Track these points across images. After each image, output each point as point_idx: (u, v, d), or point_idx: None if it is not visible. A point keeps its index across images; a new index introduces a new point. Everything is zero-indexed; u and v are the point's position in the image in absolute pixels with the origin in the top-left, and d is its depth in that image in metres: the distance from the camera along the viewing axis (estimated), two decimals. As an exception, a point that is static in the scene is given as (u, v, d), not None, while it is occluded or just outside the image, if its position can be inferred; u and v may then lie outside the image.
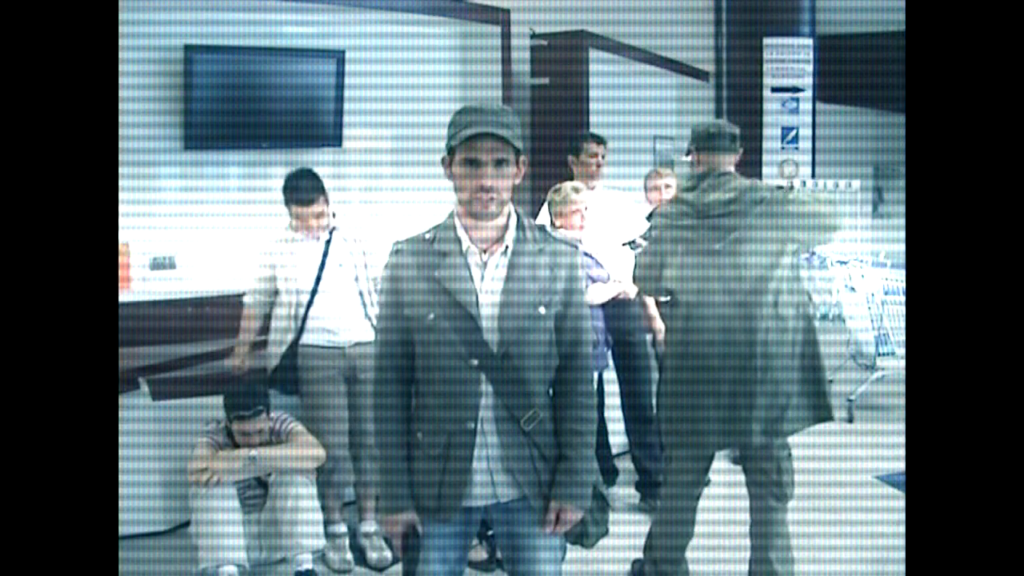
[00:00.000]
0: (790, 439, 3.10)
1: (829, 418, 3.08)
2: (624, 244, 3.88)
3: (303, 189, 3.60)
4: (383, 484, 2.21)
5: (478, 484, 2.12)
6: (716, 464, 3.28)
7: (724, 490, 3.23)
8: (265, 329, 3.81)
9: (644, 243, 3.65)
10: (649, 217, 4.37)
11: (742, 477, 3.20)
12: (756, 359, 2.93)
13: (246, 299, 3.80)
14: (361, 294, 3.73)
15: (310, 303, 3.67)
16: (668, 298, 3.18)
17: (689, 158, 3.21)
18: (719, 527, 3.47)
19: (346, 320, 3.69)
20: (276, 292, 3.73)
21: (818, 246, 4.27)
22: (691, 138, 3.17)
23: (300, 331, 3.68)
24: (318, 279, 3.67)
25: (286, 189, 3.64)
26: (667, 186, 4.55)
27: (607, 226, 4.13)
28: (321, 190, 3.63)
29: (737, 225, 2.93)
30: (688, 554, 3.25)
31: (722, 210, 2.95)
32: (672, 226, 3.09)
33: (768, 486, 3.10)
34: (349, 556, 3.69)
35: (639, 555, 3.42)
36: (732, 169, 3.10)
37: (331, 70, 4.75)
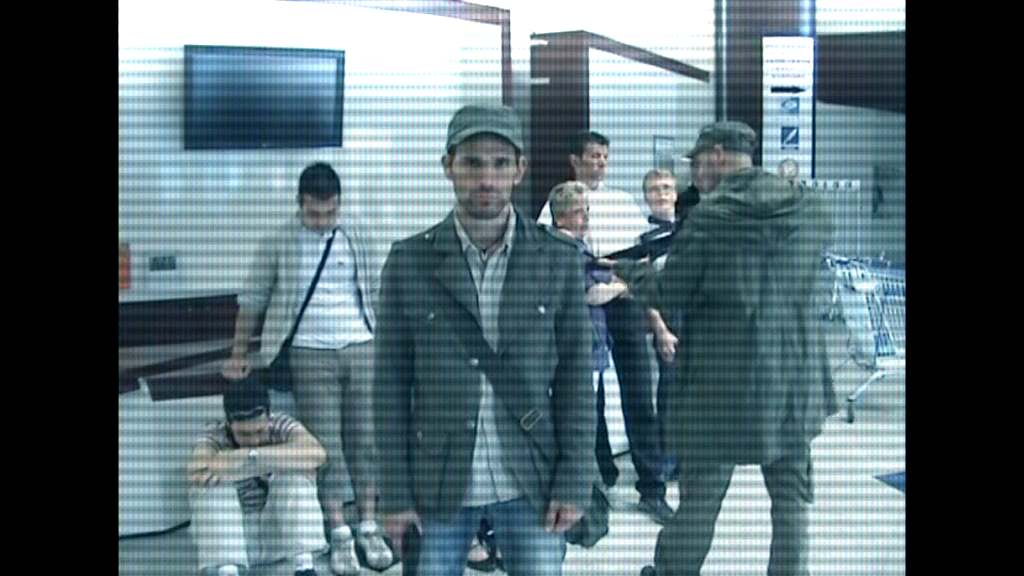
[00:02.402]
0: None
1: (836, 410, 3.12)
2: (625, 255, 3.79)
3: (321, 180, 3.61)
4: (383, 484, 2.21)
5: (478, 484, 2.13)
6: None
7: (730, 490, 3.20)
8: (260, 329, 3.81)
9: (645, 259, 3.51)
10: (651, 219, 4.35)
11: (746, 478, 3.18)
12: (809, 358, 2.94)
13: (241, 299, 3.79)
14: (360, 293, 3.74)
15: (306, 301, 3.67)
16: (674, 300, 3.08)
17: (701, 157, 3.12)
18: (732, 527, 3.46)
19: (341, 320, 3.69)
20: (272, 289, 3.73)
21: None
22: (714, 137, 3.07)
23: (294, 330, 3.68)
24: (317, 277, 3.67)
25: (304, 181, 3.64)
26: (666, 187, 4.54)
27: (609, 226, 4.13)
28: (337, 186, 3.64)
29: (795, 225, 2.91)
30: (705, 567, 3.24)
31: (784, 209, 2.91)
32: (723, 226, 2.92)
33: (797, 486, 3.08)
34: (354, 556, 3.68)
35: (639, 555, 3.43)
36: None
37: (331, 70, 4.74)
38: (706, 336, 2.97)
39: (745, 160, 3.05)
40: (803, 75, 7.84)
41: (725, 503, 3.12)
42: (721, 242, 2.91)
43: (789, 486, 3.08)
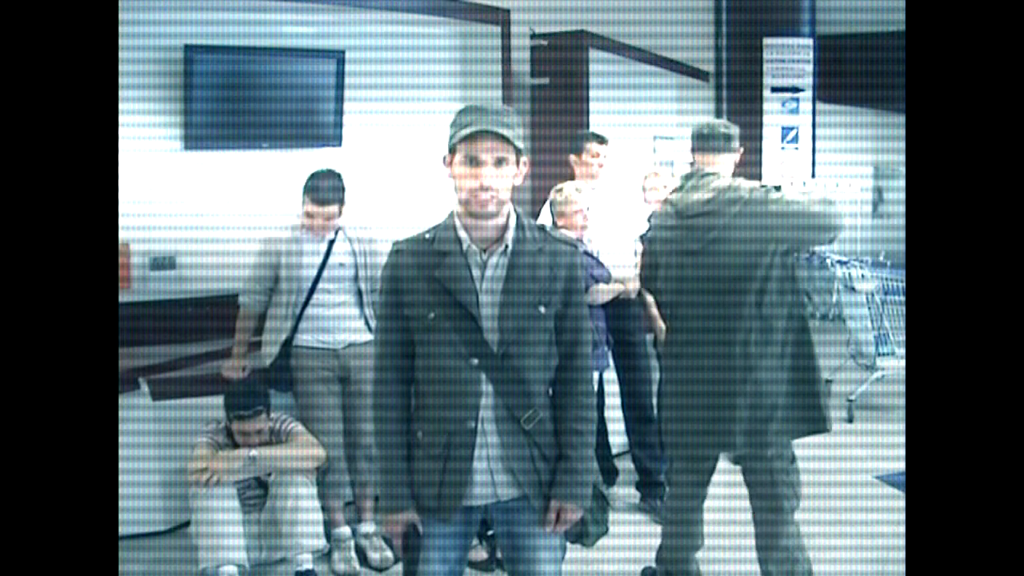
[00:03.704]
0: (792, 442, 3.05)
1: (824, 429, 2.97)
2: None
3: (322, 189, 3.60)
4: (383, 484, 2.21)
5: (478, 483, 2.13)
6: (726, 467, 3.24)
7: (739, 493, 3.20)
8: (261, 329, 3.81)
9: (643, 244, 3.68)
10: (651, 220, 4.40)
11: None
12: (736, 357, 2.87)
13: (242, 299, 3.79)
14: (360, 293, 3.73)
15: (307, 302, 3.67)
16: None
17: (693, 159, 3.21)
18: (732, 527, 3.46)
19: (342, 321, 3.69)
20: (273, 289, 3.72)
21: (817, 246, 4.23)
22: (690, 137, 3.16)
23: (294, 330, 3.68)
24: (318, 277, 3.67)
25: (307, 184, 3.64)
26: (664, 187, 4.54)
27: (609, 226, 4.13)
28: (340, 195, 3.63)
29: (713, 225, 2.89)
30: (703, 562, 3.24)
31: (699, 210, 2.93)
32: (659, 227, 3.10)
33: (762, 497, 3.03)
34: (354, 556, 3.69)
35: (639, 555, 3.43)
36: (727, 169, 3.06)
37: (331, 70, 4.74)
38: (665, 335, 3.18)
39: (710, 159, 3.05)
40: (803, 75, 7.84)
41: (726, 503, 3.12)
42: (655, 242, 3.09)
43: (758, 497, 3.06)
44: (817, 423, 2.96)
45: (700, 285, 2.91)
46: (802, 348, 2.94)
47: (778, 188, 3.03)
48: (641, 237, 4.32)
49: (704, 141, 3.07)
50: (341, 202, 3.64)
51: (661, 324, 4.21)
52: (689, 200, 2.97)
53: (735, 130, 3.13)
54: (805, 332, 2.95)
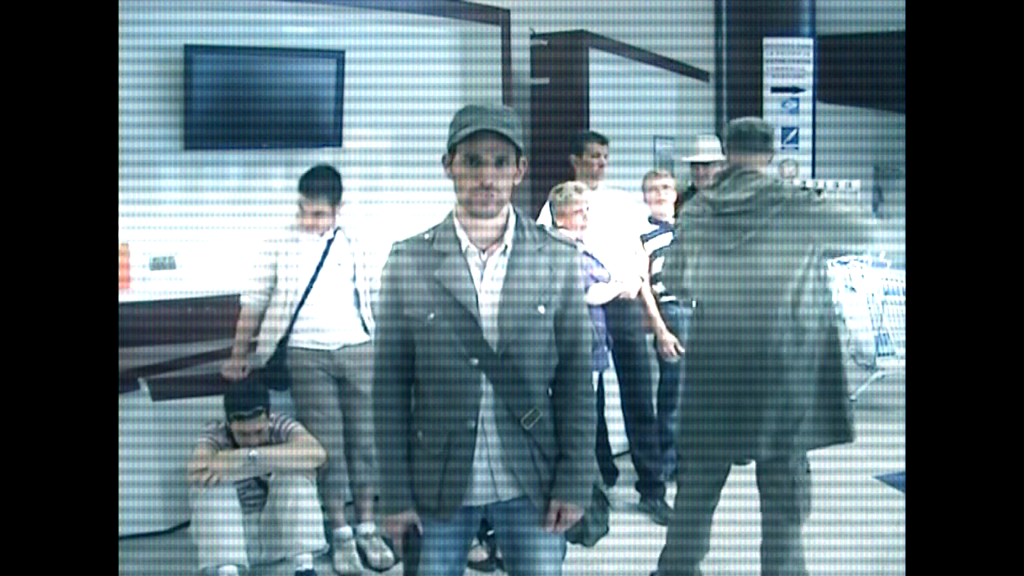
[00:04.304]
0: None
1: (848, 439, 2.97)
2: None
3: (312, 187, 3.62)
4: (383, 484, 2.21)
5: (479, 483, 2.13)
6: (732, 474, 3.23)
7: (741, 493, 3.19)
8: (260, 329, 3.82)
9: (661, 241, 3.68)
10: (651, 220, 4.41)
11: (750, 478, 3.17)
12: (768, 359, 2.84)
13: (244, 299, 3.79)
14: (357, 293, 3.73)
15: (302, 302, 3.67)
16: (675, 298, 3.17)
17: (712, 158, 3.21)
18: (737, 528, 3.46)
19: (337, 321, 3.69)
20: (273, 289, 3.72)
21: (848, 254, 4.19)
22: (725, 137, 3.11)
23: (289, 330, 3.68)
24: (314, 278, 3.66)
25: (300, 182, 3.66)
26: (665, 187, 4.54)
27: (609, 226, 4.13)
28: (328, 193, 3.62)
29: (752, 225, 2.85)
30: (706, 567, 3.24)
31: (737, 209, 2.88)
32: (692, 225, 3.03)
33: (780, 499, 3.01)
34: (356, 555, 3.68)
35: (639, 555, 3.43)
36: (764, 169, 3.02)
37: (331, 70, 4.74)
38: (686, 331, 3.16)
39: (748, 159, 3.00)
40: (803, 75, 7.84)
41: (724, 503, 3.11)
42: (687, 241, 3.03)
43: (772, 499, 3.03)
44: (841, 432, 2.96)
45: (733, 285, 2.87)
46: (832, 359, 2.92)
47: (819, 191, 3.02)
48: (642, 237, 4.34)
49: (743, 140, 3.01)
50: (334, 200, 3.64)
51: (660, 324, 4.23)
52: (725, 198, 2.91)
53: (773, 130, 3.08)
54: (835, 343, 2.93)
